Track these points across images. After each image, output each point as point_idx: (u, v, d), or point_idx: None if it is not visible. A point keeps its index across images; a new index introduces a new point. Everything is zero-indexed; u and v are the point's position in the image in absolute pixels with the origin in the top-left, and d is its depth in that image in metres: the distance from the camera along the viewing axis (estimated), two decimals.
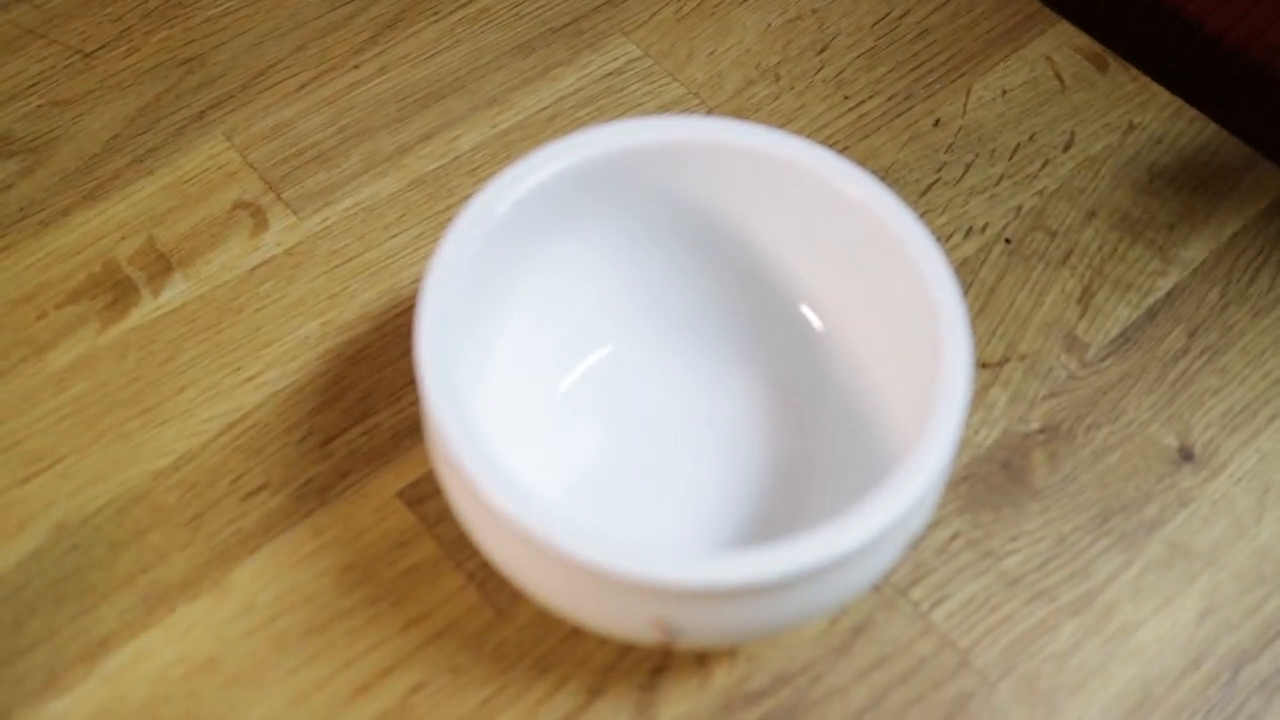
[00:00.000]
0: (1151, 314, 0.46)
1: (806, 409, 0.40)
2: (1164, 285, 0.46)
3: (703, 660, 0.39)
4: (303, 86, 0.50)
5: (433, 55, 0.51)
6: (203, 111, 0.49)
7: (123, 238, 0.46)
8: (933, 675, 0.39)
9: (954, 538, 0.41)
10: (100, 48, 0.51)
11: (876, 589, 0.40)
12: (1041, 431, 0.43)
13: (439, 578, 0.40)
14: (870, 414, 0.39)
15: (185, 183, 0.48)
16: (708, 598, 0.32)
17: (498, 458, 0.34)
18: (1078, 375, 0.44)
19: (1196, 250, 0.47)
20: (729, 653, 0.39)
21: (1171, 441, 0.43)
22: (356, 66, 0.51)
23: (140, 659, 0.38)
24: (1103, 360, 0.45)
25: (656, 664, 0.39)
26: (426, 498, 0.41)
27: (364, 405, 0.43)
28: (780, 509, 0.39)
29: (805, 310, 0.41)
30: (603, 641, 0.39)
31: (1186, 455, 0.43)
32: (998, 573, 0.40)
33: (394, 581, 0.40)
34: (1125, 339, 0.45)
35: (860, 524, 0.32)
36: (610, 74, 0.51)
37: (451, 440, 0.33)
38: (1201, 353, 0.45)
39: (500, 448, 0.38)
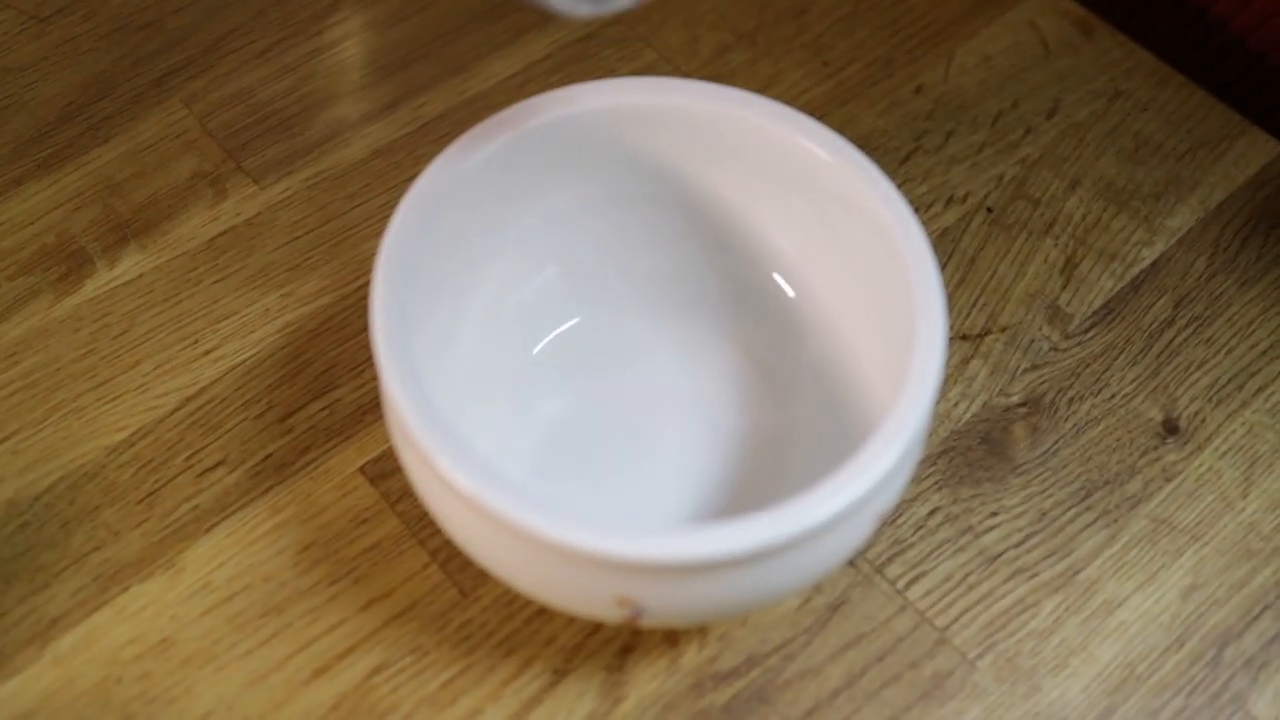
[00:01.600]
0: (1136, 284, 0.45)
1: (780, 379, 0.39)
2: (1149, 255, 0.45)
3: (672, 639, 0.37)
4: (264, 52, 0.49)
5: (399, 21, 0.50)
6: (161, 78, 0.48)
7: (77, 208, 0.45)
8: (910, 654, 0.37)
9: (932, 513, 0.40)
10: (56, 12, 0.50)
11: (852, 565, 0.39)
12: (1023, 404, 0.42)
13: (401, 556, 0.39)
14: (846, 384, 0.38)
15: (142, 151, 0.46)
16: (672, 572, 0.30)
17: (456, 431, 0.33)
18: (1060, 347, 0.43)
19: (1182, 219, 0.46)
20: (699, 632, 0.38)
21: (1156, 414, 0.42)
22: (319, 33, 0.49)
23: (92, 639, 0.37)
24: (1086, 332, 0.44)
25: (624, 644, 0.37)
26: (389, 474, 0.40)
27: (325, 379, 0.42)
28: (754, 481, 0.38)
29: (778, 279, 0.40)
30: (570, 621, 0.38)
31: (1171, 428, 0.42)
32: (977, 549, 0.39)
33: (355, 560, 0.38)
34: (1109, 310, 0.44)
35: (830, 497, 0.31)
36: (583, 39, 0.50)
37: (407, 412, 0.32)
38: (1187, 324, 0.44)
39: (463, 421, 0.37)
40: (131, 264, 0.44)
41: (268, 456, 0.40)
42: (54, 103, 0.47)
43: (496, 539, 0.32)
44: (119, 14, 0.50)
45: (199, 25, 0.49)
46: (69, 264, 0.44)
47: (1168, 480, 0.41)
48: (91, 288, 0.43)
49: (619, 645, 0.37)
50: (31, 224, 0.44)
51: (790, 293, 0.39)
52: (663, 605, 0.32)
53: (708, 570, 0.31)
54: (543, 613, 0.38)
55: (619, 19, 0.50)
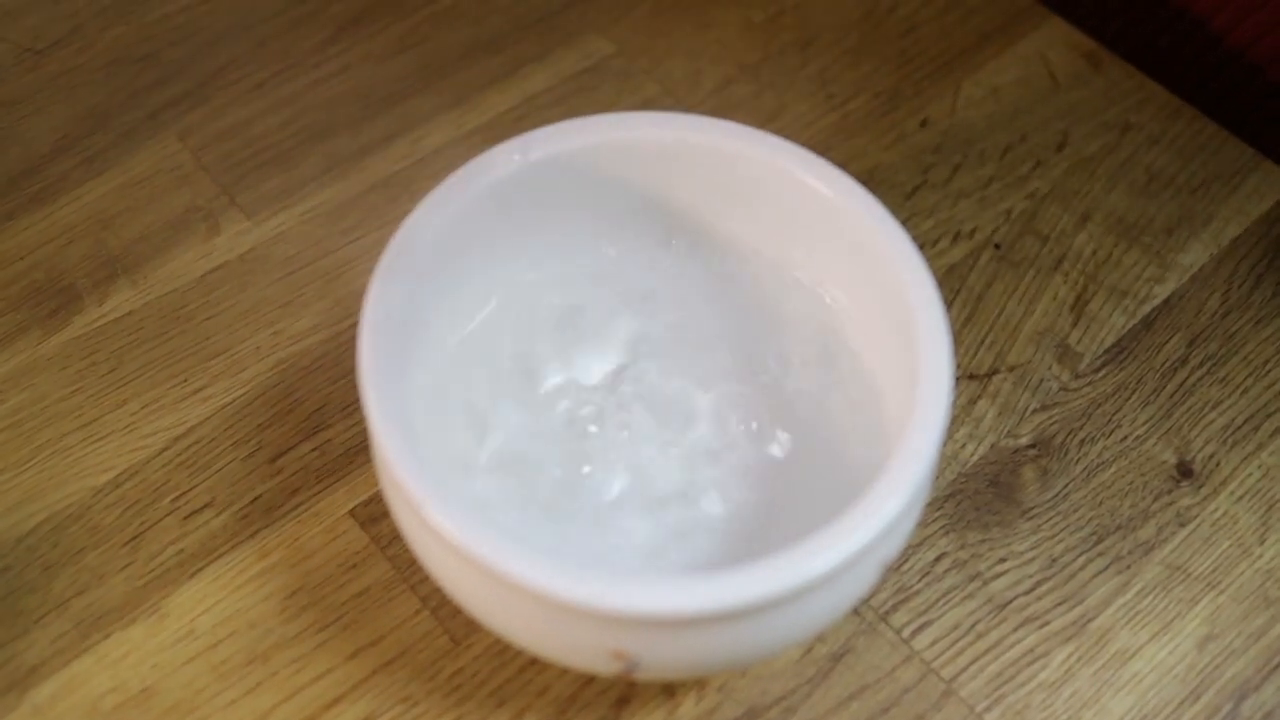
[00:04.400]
0: (1148, 322, 0.43)
1: (783, 417, 0.38)
2: (1161, 292, 0.44)
3: (669, 691, 0.36)
4: (260, 85, 0.48)
5: (397, 53, 0.49)
6: (156, 111, 0.47)
7: (69, 242, 0.44)
8: (915, 706, 0.36)
9: (939, 559, 0.39)
10: (51, 45, 0.49)
11: (856, 613, 0.38)
12: (1032, 446, 0.41)
13: (391, 602, 0.37)
14: (851, 424, 0.37)
15: (135, 185, 0.45)
16: (667, 626, 0.29)
17: (444, 476, 0.32)
18: (1070, 387, 0.42)
19: (1195, 255, 0.45)
20: (697, 683, 0.36)
21: (1170, 457, 0.41)
22: (317, 65, 0.49)
23: (72, 688, 0.36)
24: (1097, 371, 0.42)
25: (621, 695, 0.36)
26: (380, 517, 0.39)
27: (316, 419, 0.41)
28: (755, 523, 0.37)
29: (781, 316, 0.39)
30: (564, 672, 0.36)
31: (1185, 471, 0.40)
32: (985, 596, 0.38)
33: (343, 606, 0.37)
34: (1120, 349, 0.43)
35: (831, 546, 0.30)
36: (583, 72, 0.49)
37: (394, 457, 0.31)
38: (1201, 363, 0.43)
39: (455, 466, 0.36)
40: (121, 300, 0.43)
41: (256, 498, 0.39)
42: (47, 136, 0.47)
43: (484, 589, 0.31)
44: (115, 46, 0.49)
45: (196, 58, 0.49)
46: (58, 300, 0.43)
47: (1182, 525, 0.39)
48: (80, 324, 0.42)
49: (615, 697, 0.36)
50: (21, 259, 0.44)
51: (795, 330, 0.38)
52: (658, 659, 0.31)
53: (704, 624, 0.29)
54: (536, 662, 0.37)
55: (621, 51, 0.49)
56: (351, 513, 0.39)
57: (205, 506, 0.39)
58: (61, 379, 0.41)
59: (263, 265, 0.44)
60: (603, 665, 0.31)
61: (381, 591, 0.38)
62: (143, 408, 0.41)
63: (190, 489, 0.39)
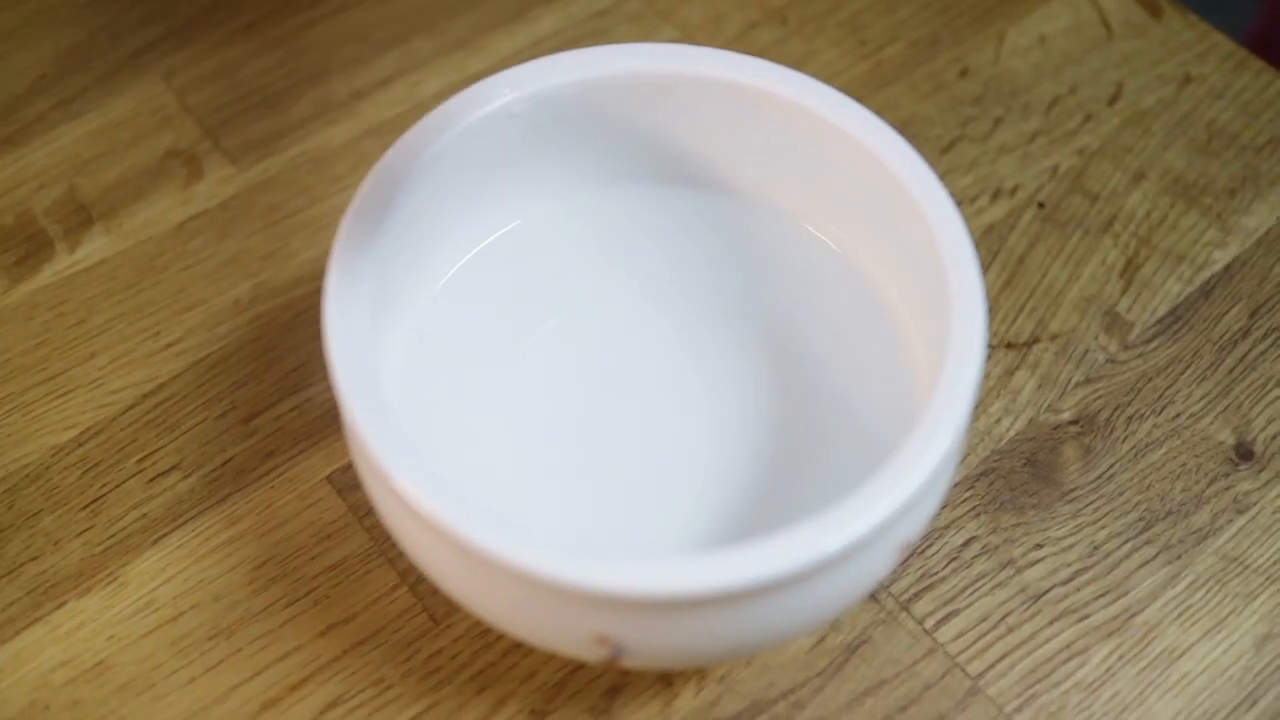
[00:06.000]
0: (1206, 290, 0.40)
1: (802, 385, 0.35)
2: (1221, 257, 0.40)
3: (666, 680, 0.33)
4: (251, 25, 0.45)
5: None
6: (140, 50, 0.44)
7: (41, 186, 0.41)
8: (938, 704, 0.33)
9: (968, 543, 0.35)
10: None
11: (874, 600, 0.34)
12: (1074, 422, 0.37)
13: (367, 576, 0.35)
14: (876, 393, 0.33)
15: (115, 128, 0.43)
16: (655, 609, 0.26)
17: (416, 442, 0.29)
18: (1118, 359, 0.38)
19: (1260, 218, 0.41)
20: (697, 672, 0.33)
21: (1227, 437, 0.37)
22: (312, 4, 0.46)
23: (20, 660, 0.33)
24: (1148, 342, 0.39)
25: (612, 683, 0.33)
26: (359, 484, 0.36)
27: (295, 378, 0.38)
28: (768, 501, 0.33)
29: (803, 271, 0.35)
30: (551, 656, 0.33)
31: (1244, 454, 0.37)
32: (1018, 585, 0.35)
33: (315, 579, 0.34)
34: (1175, 318, 0.39)
35: (843, 524, 0.26)
36: (596, 14, 0.46)
37: (362, 423, 0.28)
38: (1264, 335, 0.39)
39: (431, 430, 0.32)
40: (94, 248, 0.40)
41: (227, 461, 0.36)
42: (24, 75, 0.44)
43: (457, 563, 0.28)
44: None
45: None
46: (27, 247, 0.40)
47: (1240, 512, 0.36)
48: (49, 273, 0.40)
49: (606, 685, 0.33)
50: None
51: (818, 287, 0.35)
52: (646, 645, 0.28)
53: (697, 607, 0.26)
54: (521, 646, 0.33)
55: None
56: (329, 479, 0.36)
57: (172, 469, 0.36)
58: (27, 330, 0.39)
59: (246, 213, 0.41)
60: (586, 651, 0.28)
61: (357, 564, 0.35)
62: (111, 362, 0.38)
63: (157, 449, 0.36)
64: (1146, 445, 0.37)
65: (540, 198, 0.35)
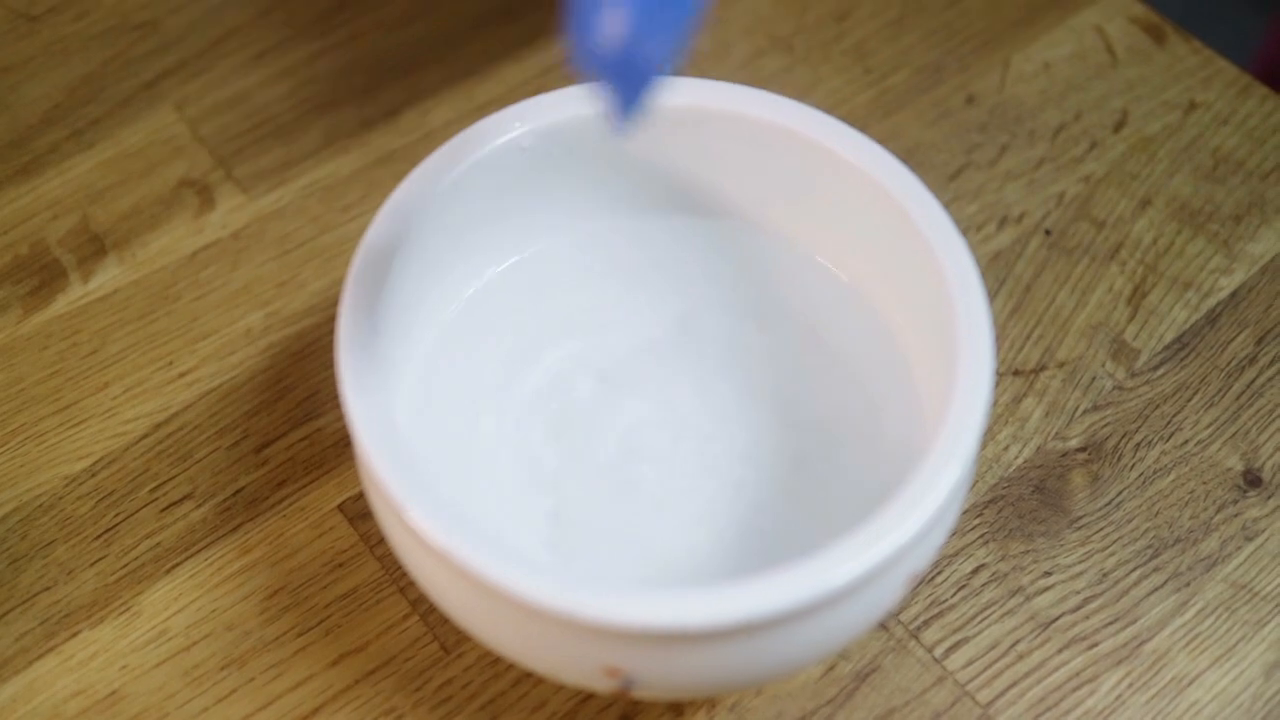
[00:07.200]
0: (1213, 317, 0.40)
1: (810, 413, 0.35)
2: (1228, 284, 0.40)
3: (676, 709, 0.33)
4: (262, 55, 0.45)
5: (407, 22, 0.46)
6: (153, 80, 0.45)
7: (54, 216, 0.42)
8: None
9: (976, 570, 0.35)
10: (48, 11, 0.47)
11: (883, 628, 0.34)
12: (1082, 450, 0.37)
13: (379, 605, 0.35)
14: (885, 422, 0.34)
15: (127, 157, 0.43)
16: (664, 642, 0.26)
17: (425, 474, 0.29)
18: (1126, 386, 0.38)
19: (1266, 245, 0.41)
20: (708, 701, 0.33)
21: (1235, 464, 0.37)
22: (322, 34, 0.46)
23: (33, 690, 0.33)
24: (1155, 369, 0.39)
25: (623, 712, 0.33)
26: (371, 513, 0.36)
27: (306, 407, 0.38)
28: (779, 531, 0.33)
29: (810, 300, 0.35)
30: (561, 686, 0.33)
31: (1253, 480, 0.37)
32: (1028, 613, 0.35)
33: (327, 608, 0.35)
34: (1182, 345, 0.39)
35: (852, 556, 0.26)
36: None
37: (374, 456, 0.28)
38: (1271, 362, 0.39)
39: (442, 460, 0.33)
40: (107, 278, 0.40)
41: (239, 490, 0.36)
42: (38, 105, 0.44)
43: (467, 595, 0.28)
44: (113, 13, 0.47)
45: (197, 26, 0.46)
46: (41, 277, 0.41)
47: (1248, 539, 0.36)
48: (63, 303, 0.40)
49: (617, 714, 0.33)
50: (5, 234, 0.41)
51: (826, 317, 0.35)
52: (657, 677, 0.28)
53: (707, 640, 0.26)
54: (532, 675, 0.34)
55: None
56: (340, 507, 0.36)
57: (185, 498, 0.36)
58: (41, 360, 0.39)
59: (258, 243, 0.41)
60: (596, 682, 0.28)
61: (369, 593, 0.35)
62: (124, 391, 0.38)
63: (170, 479, 0.37)
64: (1155, 472, 0.37)
65: (550, 229, 0.36)
